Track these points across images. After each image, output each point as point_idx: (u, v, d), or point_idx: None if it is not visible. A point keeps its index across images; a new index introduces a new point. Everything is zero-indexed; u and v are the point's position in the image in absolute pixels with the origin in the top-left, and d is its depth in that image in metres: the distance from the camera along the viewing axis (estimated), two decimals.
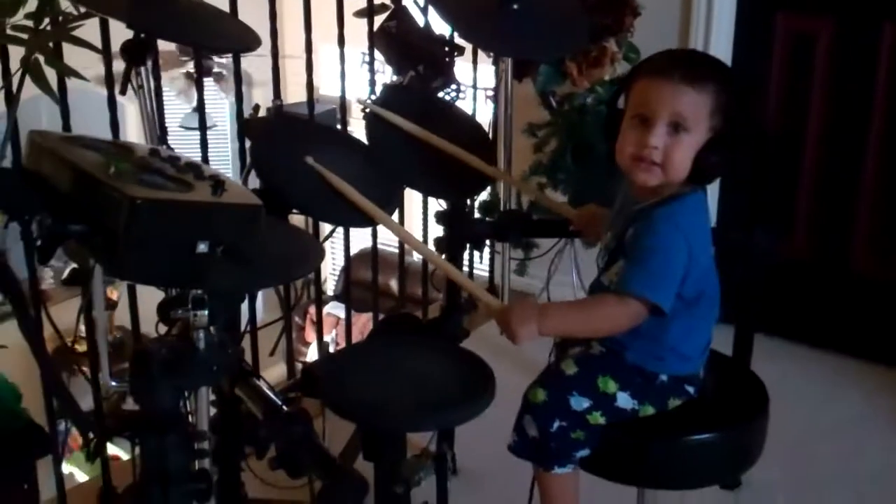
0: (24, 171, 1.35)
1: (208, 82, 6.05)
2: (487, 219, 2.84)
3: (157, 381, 1.45)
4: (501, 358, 1.97)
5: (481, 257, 3.00)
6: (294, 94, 3.62)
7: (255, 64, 2.76)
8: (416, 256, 3.43)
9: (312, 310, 3.61)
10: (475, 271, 3.36)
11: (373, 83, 2.83)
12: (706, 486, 2.11)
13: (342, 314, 5.07)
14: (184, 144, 4.70)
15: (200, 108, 2.55)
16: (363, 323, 4.96)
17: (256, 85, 5.92)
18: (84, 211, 1.28)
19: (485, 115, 3.14)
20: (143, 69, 1.81)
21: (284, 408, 1.80)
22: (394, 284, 5.05)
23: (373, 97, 2.69)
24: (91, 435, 1.57)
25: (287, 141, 2.00)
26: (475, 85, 3.29)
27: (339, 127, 3.36)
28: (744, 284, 2.63)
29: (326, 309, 5.36)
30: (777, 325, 3.26)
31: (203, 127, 2.55)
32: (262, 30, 2.32)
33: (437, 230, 2.44)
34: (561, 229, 2.70)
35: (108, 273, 1.38)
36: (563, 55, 2.76)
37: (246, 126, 2.00)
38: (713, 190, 2.52)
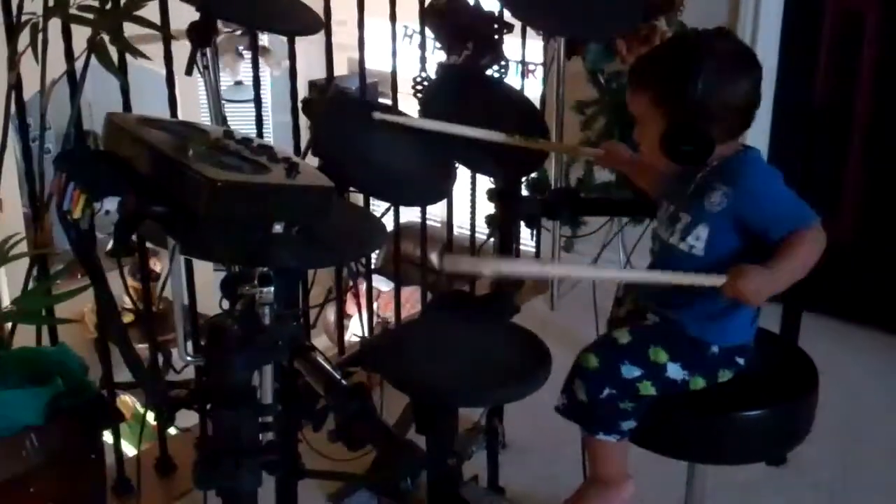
0: (104, 152, 1.39)
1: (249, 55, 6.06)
2: (538, 197, 2.86)
3: (232, 356, 1.49)
4: (545, 332, 2.00)
5: (532, 235, 3.02)
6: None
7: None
8: (459, 231, 3.44)
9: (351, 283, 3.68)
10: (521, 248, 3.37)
11: (423, 60, 2.85)
12: (755, 461, 2.14)
13: (384, 287, 5.12)
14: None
15: (256, 87, 2.59)
16: (405, 296, 4.99)
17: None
18: (164, 192, 1.32)
19: (530, 91, 3.15)
20: (208, 50, 1.84)
21: (343, 382, 1.84)
22: (434, 258, 5.08)
23: (423, 74, 2.70)
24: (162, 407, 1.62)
25: (345, 120, 2.03)
26: (524, 61, 3.29)
27: (385, 101, 3.38)
28: None
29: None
30: (824, 304, 3.25)
31: (258, 103, 2.59)
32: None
33: (486, 207, 2.47)
34: (609, 208, 2.73)
35: (184, 252, 1.42)
36: (616, 35, 2.77)
37: (306, 106, 2.03)
38: None
